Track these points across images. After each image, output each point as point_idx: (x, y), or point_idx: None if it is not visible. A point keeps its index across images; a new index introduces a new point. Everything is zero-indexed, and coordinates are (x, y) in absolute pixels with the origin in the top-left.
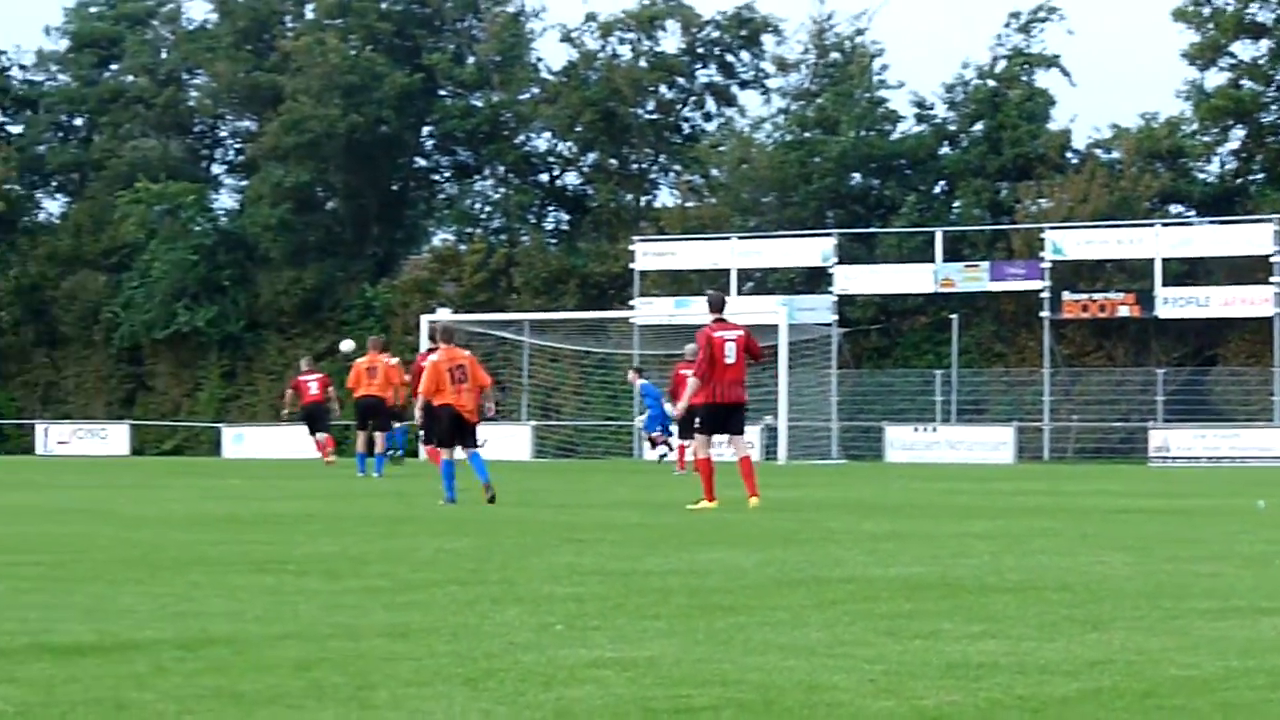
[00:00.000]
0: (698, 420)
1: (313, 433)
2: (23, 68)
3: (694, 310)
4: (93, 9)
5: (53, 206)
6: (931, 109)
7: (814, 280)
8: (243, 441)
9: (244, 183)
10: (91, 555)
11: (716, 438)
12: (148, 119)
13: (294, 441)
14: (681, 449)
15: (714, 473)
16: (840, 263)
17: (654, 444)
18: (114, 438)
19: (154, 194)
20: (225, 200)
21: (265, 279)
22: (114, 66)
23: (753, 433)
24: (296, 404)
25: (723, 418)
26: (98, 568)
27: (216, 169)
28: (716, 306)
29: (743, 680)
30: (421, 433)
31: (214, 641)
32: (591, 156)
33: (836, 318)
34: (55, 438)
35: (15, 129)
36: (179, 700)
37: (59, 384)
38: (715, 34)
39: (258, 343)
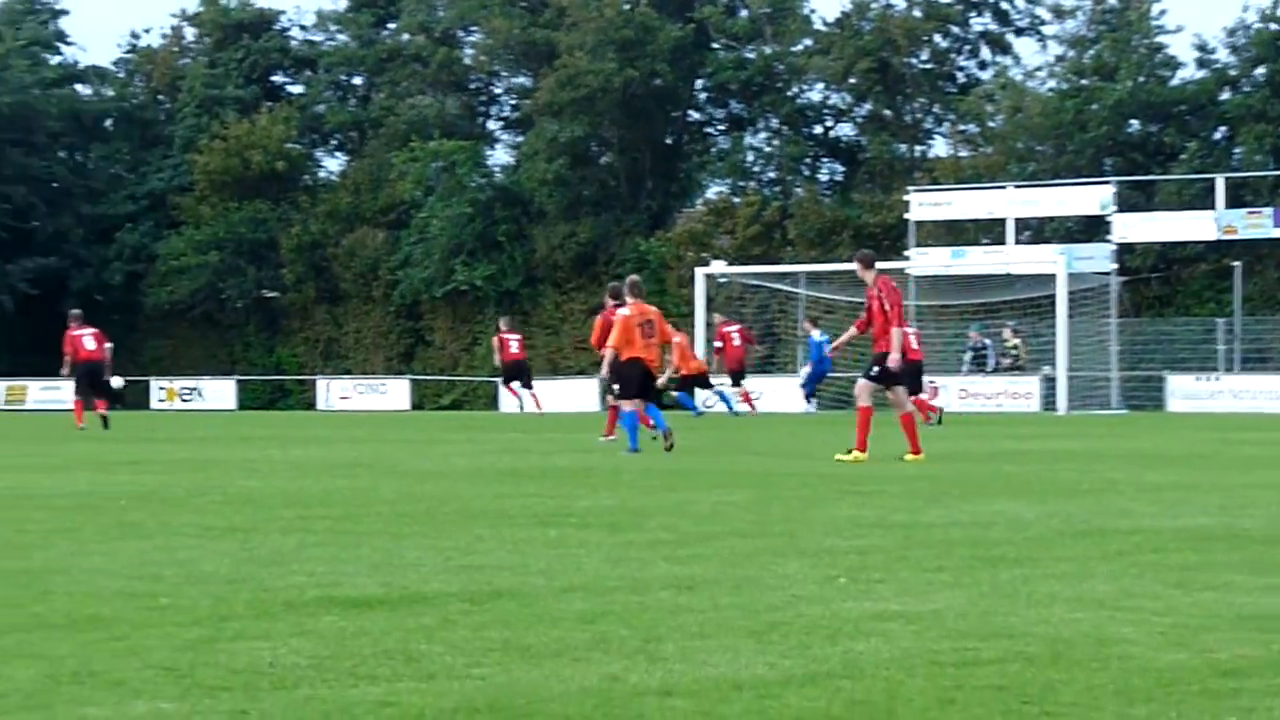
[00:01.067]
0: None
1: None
2: (302, 28)
3: (970, 260)
4: None
5: (332, 165)
6: (1212, 53)
7: (1092, 229)
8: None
9: (519, 139)
10: (376, 509)
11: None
12: (424, 77)
13: (570, 394)
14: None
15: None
16: (1119, 211)
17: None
18: (394, 392)
19: (430, 152)
20: (500, 156)
21: (541, 234)
22: (391, 25)
23: (1030, 383)
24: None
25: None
26: (383, 521)
27: (492, 125)
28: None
29: (1029, 633)
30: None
31: (499, 595)
32: (865, 107)
33: (1116, 266)
34: (337, 393)
35: (295, 89)
36: (467, 653)
37: (339, 340)
38: None
39: (534, 298)
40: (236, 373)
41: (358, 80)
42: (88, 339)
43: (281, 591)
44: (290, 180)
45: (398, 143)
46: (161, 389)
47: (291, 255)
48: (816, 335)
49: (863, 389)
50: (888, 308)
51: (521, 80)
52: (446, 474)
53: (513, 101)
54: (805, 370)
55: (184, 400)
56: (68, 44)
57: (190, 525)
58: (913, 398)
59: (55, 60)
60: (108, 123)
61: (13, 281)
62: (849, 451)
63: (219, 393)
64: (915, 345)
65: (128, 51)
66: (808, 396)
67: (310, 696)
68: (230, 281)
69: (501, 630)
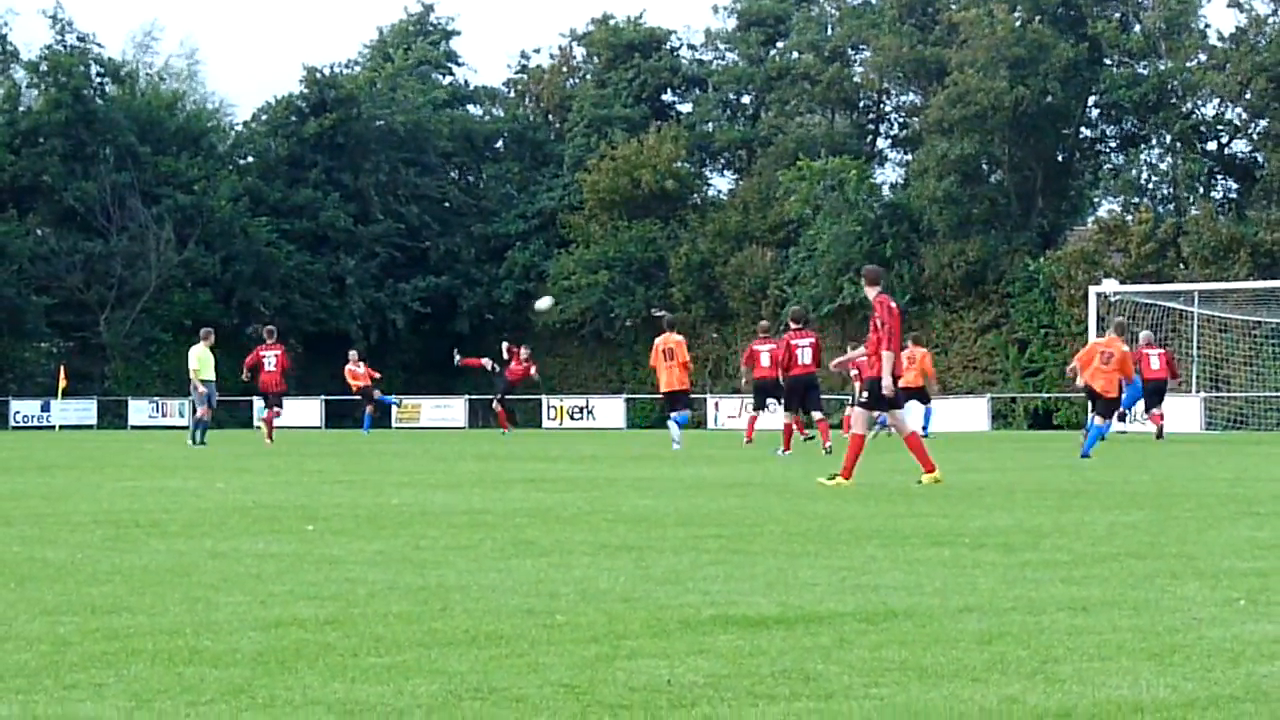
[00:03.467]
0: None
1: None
2: (692, 47)
3: None
4: None
5: (721, 184)
6: None
7: None
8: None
9: (908, 157)
10: (769, 528)
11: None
12: (814, 95)
13: (959, 414)
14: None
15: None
16: None
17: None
18: (782, 411)
19: (818, 170)
20: (889, 174)
21: (929, 252)
22: (780, 44)
23: None
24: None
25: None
26: (776, 540)
27: (881, 143)
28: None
29: None
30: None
31: (894, 614)
32: (1262, 123)
33: None
34: (725, 412)
35: (685, 107)
36: (864, 673)
37: (728, 359)
38: None
39: (923, 315)
40: (626, 391)
41: (746, 99)
42: (269, 359)
43: (677, 610)
44: (679, 199)
45: (786, 161)
46: (552, 408)
47: (680, 274)
48: None
49: (857, 417)
50: (880, 326)
51: (911, 97)
52: (837, 493)
53: (902, 119)
54: None
55: (573, 419)
56: (458, 64)
57: (585, 543)
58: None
59: (446, 81)
60: (498, 143)
61: (405, 300)
62: (832, 477)
63: (609, 411)
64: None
65: (518, 72)
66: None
67: (709, 715)
68: (619, 300)
69: (898, 650)
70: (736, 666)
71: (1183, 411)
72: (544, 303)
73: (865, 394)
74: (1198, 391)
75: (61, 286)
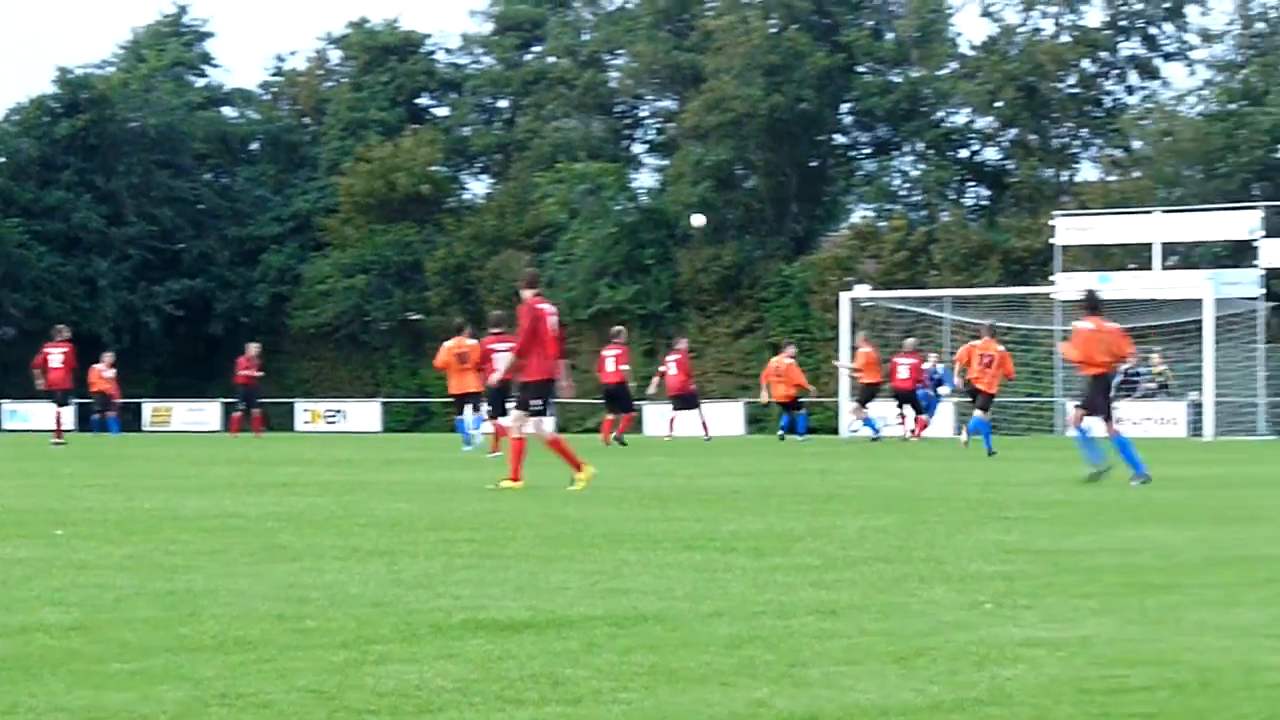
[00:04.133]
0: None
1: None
2: (447, 51)
3: (1116, 285)
4: None
5: (477, 188)
6: None
7: (1239, 254)
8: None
9: (664, 162)
10: (521, 532)
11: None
12: (570, 100)
13: (714, 419)
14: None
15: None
16: (1268, 236)
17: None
18: None
19: (575, 174)
20: (645, 179)
21: (685, 257)
22: (537, 48)
23: (1176, 409)
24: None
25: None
26: (528, 545)
27: (637, 149)
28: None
29: (1178, 660)
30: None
31: (644, 619)
32: (1012, 132)
33: (1264, 291)
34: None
35: (441, 111)
36: (613, 677)
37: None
38: (1138, 6)
39: (679, 321)
40: (381, 395)
41: (503, 103)
42: (54, 357)
43: (427, 615)
44: (435, 203)
45: (542, 165)
46: (306, 411)
47: (436, 278)
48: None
49: (516, 420)
50: (521, 329)
51: (667, 103)
52: (592, 497)
53: (658, 125)
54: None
55: (328, 422)
56: (213, 66)
57: (336, 548)
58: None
59: (201, 83)
60: (253, 145)
61: (159, 303)
62: (498, 481)
63: (363, 415)
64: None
65: (273, 74)
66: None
67: None
68: (376, 304)
69: (647, 655)
70: (485, 671)
71: (938, 416)
72: (699, 220)
73: (519, 395)
74: (950, 396)
75: None
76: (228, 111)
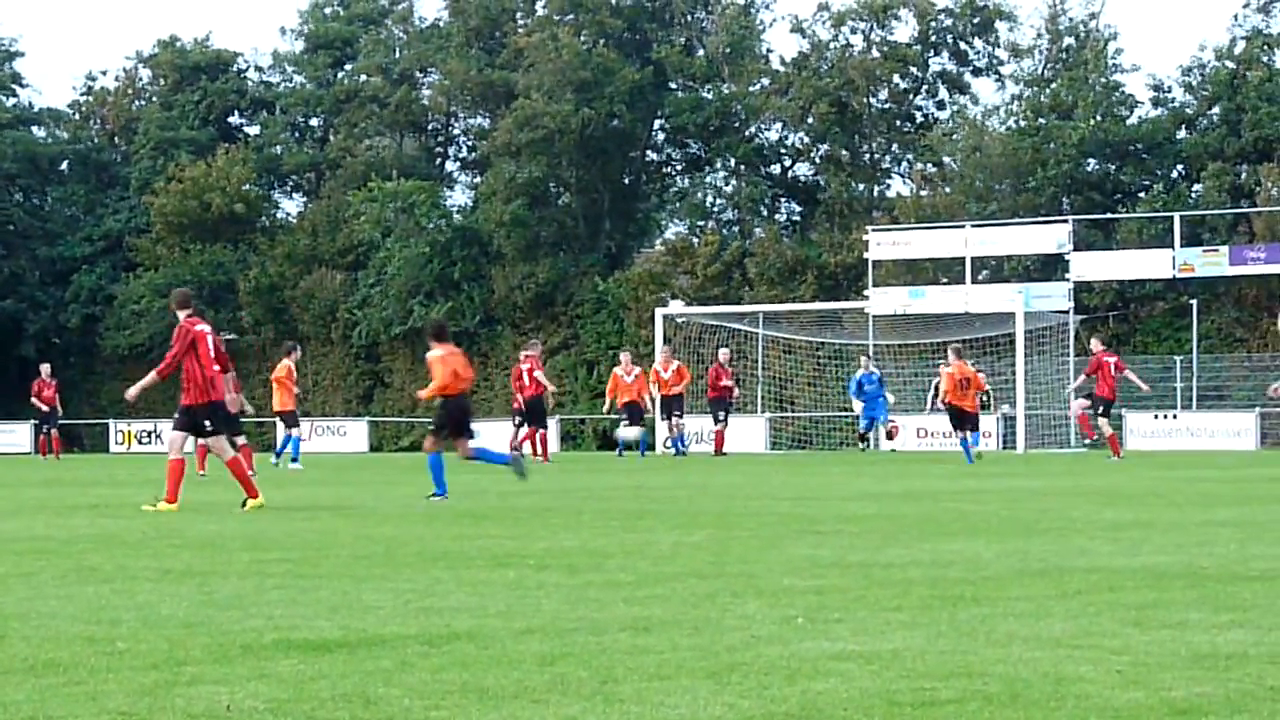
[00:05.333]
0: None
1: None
2: (259, 69)
3: (929, 300)
4: (326, 10)
5: (290, 206)
6: (1169, 92)
7: (1050, 267)
8: (479, 438)
9: (477, 179)
10: (335, 551)
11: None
12: (382, 118)
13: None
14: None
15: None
16: (1076, 249)
17: (890, 435)
18: (353, 434)
19: (388, 192)
20: (459, 197)
21: (499, 274)
22: (348, 67)
23: (988, 421)
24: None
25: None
26: (342, 564)
27: (450, 166)
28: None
29: (988, 673)
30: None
31: (457, 637)
32: (824, 147)
33: (1073, 304)
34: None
35: (252, 130)
36: (425, 696)
37: (299, 381)
38: (948, 22)
39: (493, 338)
40: None
41: (315, 121)
42: None
43: (239, 635)
44: (248, 222)
45: (355, 184)
46: (120, 432)
47: (250, 297)
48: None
49: (173, 441)
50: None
51: (479, 121)
52: (405, 516)
53: (470, 142)
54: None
55: (141, 443)
56: (22, 86)
57: (149, 569)
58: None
59: (10, 102)
60: (63, 165)
61: None
62: (156, 500)
63: None
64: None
65: (83, 94)
66: (890, 434)
67: None
68: None
69: (460, 672)
70: (297, 691)
71: (748, 431)
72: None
73: (180, 416)
74: (762, 411)
75: None
76: (37, 131)
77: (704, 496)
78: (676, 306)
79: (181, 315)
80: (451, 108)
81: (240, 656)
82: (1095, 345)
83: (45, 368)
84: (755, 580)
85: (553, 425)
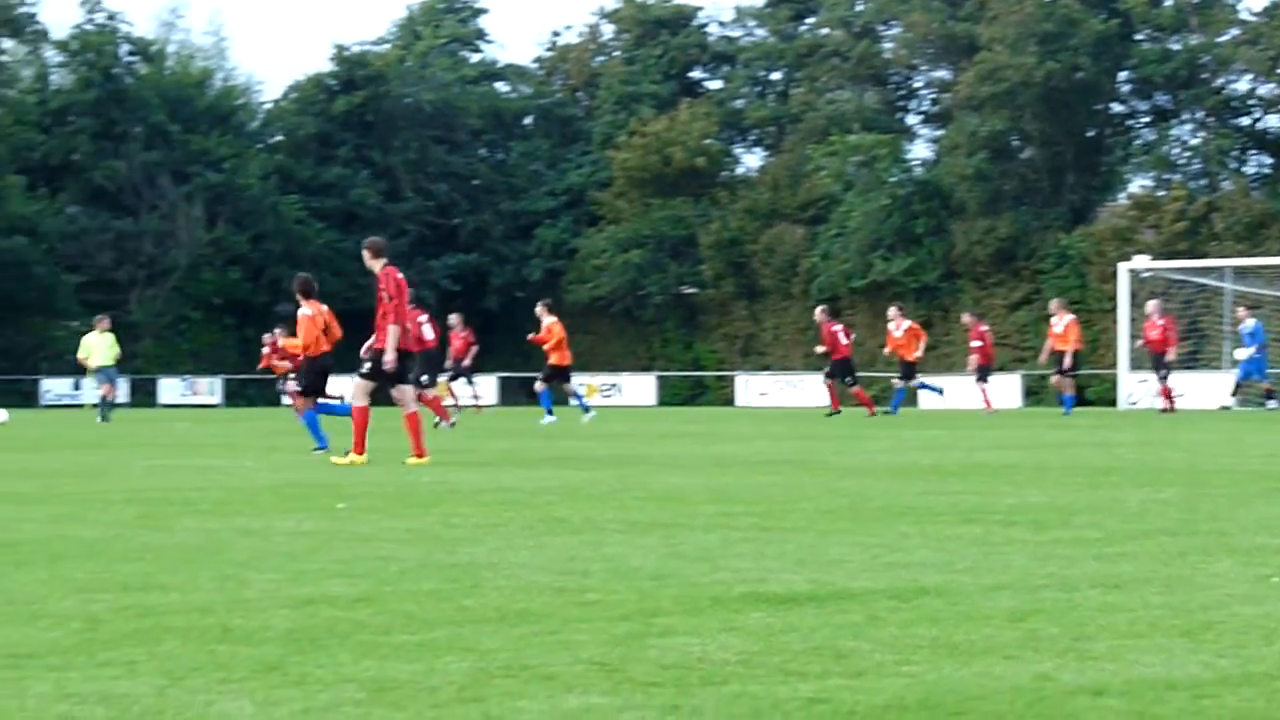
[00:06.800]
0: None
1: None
2: (721, 24)
3: None
4: None
5: (751, 161)
6: None
7: None
8: (942, 393)
9: (939, 133)
10: (800, 505)
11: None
12: (844, 72)
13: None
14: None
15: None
16: None
17: (1270, 394)
18: (810, 388)
19: (849, 146)
20: (920, 150)
21: (960, 229)
22: (810, 20)
23: None
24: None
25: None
26: (807, 518)
27: (911, 120)
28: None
29: None
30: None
31: (926, 592)
32: None
33: None
34: (756, 389)
35: (714, 84)
36: (896, 650)
37: (758, 336)
38: None
39: (953, 292)
40: (656, 369)
41: (776, 75)
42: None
43: (708, 587)
44: (709, 176)
45: (816, 137)
46: (581, 385)
47: (711, 252)
48: (1250, 324)
49: (358, 388)
50: (386, 300)
51: (941, 74)
52: (869, 470)
53: (932, 95)
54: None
55: (604, 396)
56: (487, 42)
57: (615, 521)
58: (422, 394)
59: (475, 58)
60: (527, 120)
61: (436, 278)
62: (346, 453)
63: (639, 389)
64: (430, 335)
65: (547, 49)
66: (1270, 393)
67: (740, 693)
68: (651, 278)
69: (929, 628)
70: (767, 643)
71: (1212, 387)
72: None
73: (367, 364)
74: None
75: (92, 265)
76: (501, 87)
77: (1170, 453)
78: (1141, 261)
79: (378, 265)
80: (913, 61)
81: (710, 608)
82: None
83: (455, 318)
84: (1226, 538)
85: (1016, 380)
